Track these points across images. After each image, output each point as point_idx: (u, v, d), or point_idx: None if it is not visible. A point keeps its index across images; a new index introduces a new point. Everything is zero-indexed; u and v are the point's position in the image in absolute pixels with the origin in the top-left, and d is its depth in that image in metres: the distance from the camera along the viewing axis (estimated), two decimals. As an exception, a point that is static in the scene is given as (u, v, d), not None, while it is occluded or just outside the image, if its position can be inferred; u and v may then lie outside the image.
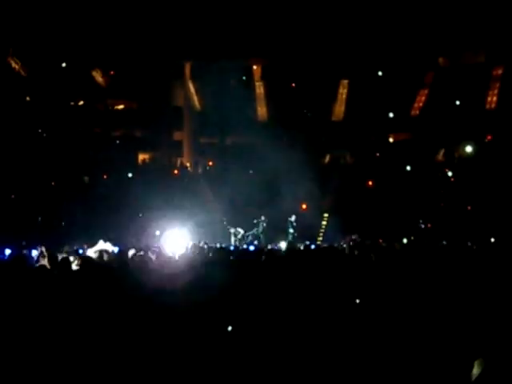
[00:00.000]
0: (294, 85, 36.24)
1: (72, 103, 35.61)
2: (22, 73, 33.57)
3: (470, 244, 19.22)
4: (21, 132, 31.25)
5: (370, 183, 33.66)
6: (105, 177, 32.52)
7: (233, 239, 27.28)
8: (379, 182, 33.11)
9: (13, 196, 28.67)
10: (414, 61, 34.31)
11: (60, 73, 33.15)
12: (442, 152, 35.45)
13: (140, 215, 28.37)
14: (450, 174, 33.78)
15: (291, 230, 28.61)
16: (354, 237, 24.84)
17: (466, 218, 28.40)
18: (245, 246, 24.12)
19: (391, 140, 36.58)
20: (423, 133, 34.10)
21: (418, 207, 29.90)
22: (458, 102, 34.34)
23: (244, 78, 36.69)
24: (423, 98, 36.11)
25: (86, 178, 32.57)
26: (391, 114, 35.43)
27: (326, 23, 31.55)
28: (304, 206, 31.37)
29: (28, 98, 34.32)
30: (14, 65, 33.29)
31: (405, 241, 26.98)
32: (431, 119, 34.11)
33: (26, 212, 25.84)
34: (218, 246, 19.57)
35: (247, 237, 27.81)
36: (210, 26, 30.52)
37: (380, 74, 35.23)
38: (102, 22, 30.50)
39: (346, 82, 36.39)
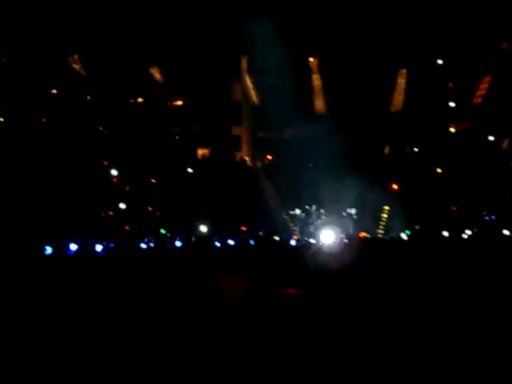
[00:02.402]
0: (350, 76, 35.86)
1: (131, 101, 36.06)
2: (83, 73, 34.19)
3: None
4: (83, 131, 31.89)
5: (438, 171, 32.98)
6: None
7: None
8: (440, 173, 32.57)
9: (76, 193, 29.25)
10: (475, 47, 33.46)
11: (119, 71, 33.56)
12: (506, 141, 34.56)
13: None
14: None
15: (351, 223, 28.48)
16: (417, 227, 24.57)
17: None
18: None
19: (452, 130, 35.87)
20: (486, 121, 33.32)
21: (481, 198, 29.30)
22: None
23: (301, 70, 36.47)
24: (486, 86, 35.21)
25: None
26: (452, 103, 34.73)
27: (382, 11, 31.14)
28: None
29: (89, 97, 34.95)
30: (74, 65, 33.93)
31: (468, 232, 26.54)
32: (494, 107, 33.28)
33: (91, 208, 26.32)
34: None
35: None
36: (266, 19, 30.43)
37: (440, 62, 34.53)
38: (159, 19, 30.77)
39: (404, 71, 35.81)
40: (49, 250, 21.27)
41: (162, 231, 26.03)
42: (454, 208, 29.38)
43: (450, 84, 33.35)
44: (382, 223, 30.55)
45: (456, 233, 25.79)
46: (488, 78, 35.05)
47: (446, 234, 26.21)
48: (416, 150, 35.73)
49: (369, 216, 29.39)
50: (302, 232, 27.68)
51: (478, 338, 6.60)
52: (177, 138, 36.00)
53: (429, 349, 6.28)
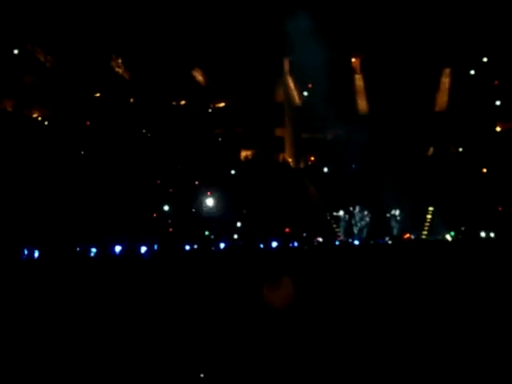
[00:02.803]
0: (393, 76, 35.54)
1: (174, 103, 36.30)
2: (126, 76, 34.57)
3: None
4: (126, 133, 32.25)
5: (484, 170, 32.44)
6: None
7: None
8: (486, 173, 32.06)
9: (120, 195, 29.55)
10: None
11: (161, 74, 33.82)
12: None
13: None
14: None
15: (395, 224, 28.25)
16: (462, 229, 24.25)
17: None
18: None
19: (498, 129, 35.28)
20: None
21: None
22: None
23: (343, 71, 36.28)
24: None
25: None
26: (498, 102, 34.16)
27: (425, 10, 30.80)
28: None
29: (132, 100, 35.31)
30: (117, 69, 34.33)
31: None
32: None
33: (136, 210, 26.56)
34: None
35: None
36: (309, 21, 30.36)
37: (485, 60, 34.00)
38: (203, 23, 30.93)
39: (448, 70, 35.35)
40: (93, 251, 21.58)
41: (206, 233, 26.16)
42: (500, 208, 28.86)
43: (496, 82, 32.78)
44: (426, 224, 30.20)
45: (502, 234, 25.36)
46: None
47: (492, 234, 25.84)
48: (461, 150, 35.22)
49: (413, 217, 29.06)
50: (345, 233, 27.55)
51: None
52: (220, 139, 36.10)
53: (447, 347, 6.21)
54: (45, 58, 32.73)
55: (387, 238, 24.52)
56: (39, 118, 33.63)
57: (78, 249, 21.80)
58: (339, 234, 27.04)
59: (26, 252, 19.81)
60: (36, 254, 20.63)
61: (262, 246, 23.09)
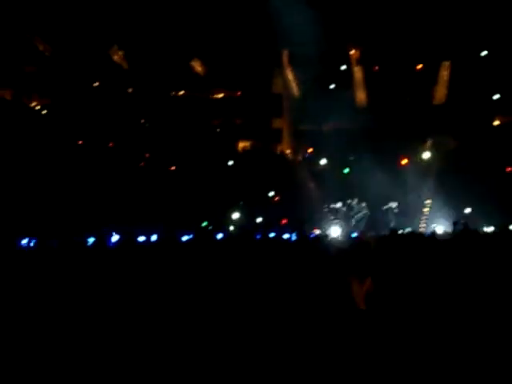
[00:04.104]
0: (392, 69, 35.49)
1: (172, 93, 36.24)
2: (124, 66, 34.46)
3: None
4: (124, 123, 32.20)
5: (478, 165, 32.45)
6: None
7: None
8: (484, 168, 32.05)
9: (117, 184, 29.52)
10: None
11: (160, 64, 33.74)
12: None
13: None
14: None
15: (392, 217, 28.28)
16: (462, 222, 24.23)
17: None
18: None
19: (497, 123, 35.28)
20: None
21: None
22: None
23: (341, 63, 36.24)
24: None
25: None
26: (497, 96, 34.15)
27: (424, 3, 30.75)
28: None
29: (130, 90, 35.23)
30: (115, 58, 34.22)
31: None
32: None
33: (132, 200, 26.55)
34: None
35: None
36: (308, 12, 30.28)
37: (484, 53, 33.96)
38: (201, 12, 30.84)
39: (447, 63, 35.31)
40: (90, 240, 21.56)
41: (204, 223, 26.15)
42: (497, 203, 28.88)
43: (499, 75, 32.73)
44: (424, 218, 30.25)
45: (501, 229, 25.38)
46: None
47: (490, 229, 25.84)
48: (459, 143, 35.24)
49: (411, 210, 29.14)
50: (343, 226, 27.59)
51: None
52: (218, 130, 36.08)
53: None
54: (44, 46, 32.62)
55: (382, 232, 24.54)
56: (38, 107, 33.56)
57: (74, 238, 21.79)
58: (337, 226, 27.08)
59: (22, 241, 19.79)
60: (32, 244, 20.63)
61: (258, 237, 23.08)
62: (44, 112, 33.25)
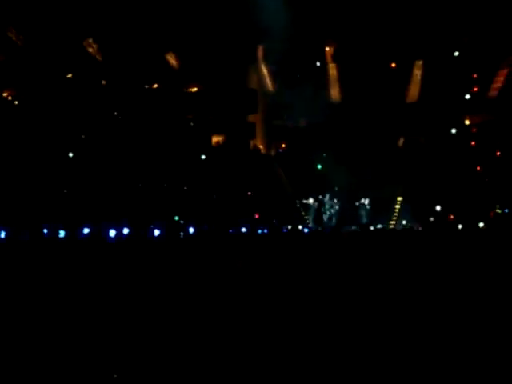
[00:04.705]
0: (366, 66, 35.70)
1: (147, 86, 36.09)
2: (98, 57, 34.26)
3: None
4: (97, 115, 32.00)
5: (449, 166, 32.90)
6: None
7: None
8: (454, 165, 32.44)
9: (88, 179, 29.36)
10: (491, 40, 33.23)
11: (134, 57, 33.58)
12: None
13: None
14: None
15: (363, 213, 28.51)
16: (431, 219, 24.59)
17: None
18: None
19: (467, 122, 35.70)
20: (502, 114, 33.12)
21: (494, 191, 29.21)
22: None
23: (316, 59, 36.36)
24: (502, 79, 34.98)
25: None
26: (467, 96, 34.56)
27: (398, 2, 30.97)
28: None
29: (104, 82, 35.03)
30: (89, 49, 34.00)
31: (481, 225, 26.48)
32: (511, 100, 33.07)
33: (104, 194, 26.39)
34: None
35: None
36: (284, 8, 30.35)
37: (456, 54, 34.34)
38: (177, 6, 30.75)
39: (420, 63, 35.64)
40: (62, 233, 21.49)
41: (176, 218, 26.13)
42: (466, 201, 29.28)
43: (472, 75, 33.14)
44: (394, 213, 30.55)
45: (469, 225, 25.77)
46: (505, 72, 34.81)
47: (459, 226, 26.21)
48: (430, 141, 35.62)
49: (382, 206, 29.37)
50: (314, 221, 27.74)
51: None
52: (191, 124, 36.01)
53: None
54: (16, 37, 32.28)
55: (354, 227, 24.77)
56: (9, 98, 33.22)
57: (45, 231, 21.70)
58: (308, 221, 27.21)
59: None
60: (3, 235, 20.53)
61: (231, 231, 23.18)
62: (15, 103, 32.94)
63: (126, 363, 5.57)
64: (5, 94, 33.47)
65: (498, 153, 32.49)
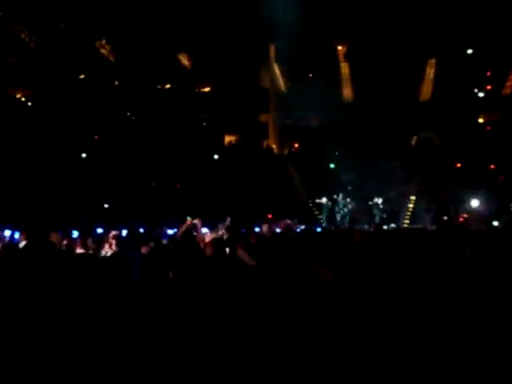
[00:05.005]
0: (378, 65, 35.60)
1: (159, 87, 36.18)
2: (111, 58, 34.36)
3: None
4: (110, 116, 32.07)
5: (459, 165, 32.80)
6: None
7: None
8: (468, 164, 32.28)
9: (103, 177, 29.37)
10: (505, 37, 33.01)
11: (147, 57, 33.65)
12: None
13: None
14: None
15: (377, 212, 28.42)
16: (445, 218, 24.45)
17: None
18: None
19: (481, 120, 35.53)
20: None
21: (509, 190, 29.04)
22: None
23: (329, 58, 36.29)
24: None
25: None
26: (481, 94, 34.39)
27: (411, 1, 30.84)
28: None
29: (117, 83, 35.13)
30: (102, 50, 34.10)
31: (495, 224, 26.28)
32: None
33: (112, 193, 26.38)
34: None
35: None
36: (296, 8, 30.29)
37: (469, 52, 34.16)
38: (189, 6, 30.74)
39: (433, 61, 35.50)
40: (75, 233, 21.44)
41: (188, 218, 26.01)
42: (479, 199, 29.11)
43: (486, 73, 32.99)
44: (408, 213, 30.41)
45: (484, 224, 25.59)
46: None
47: (473, 225, 26.02)
48: (444, 140, 35.48)
49: (395, 205, 29.27)
50: (328, 220, 27.68)
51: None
52: (204, 124, 36.05)
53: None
54: (29, 38, 32.41)
55: (366, 226, 24.64)
56: (23, 99, 33.36)
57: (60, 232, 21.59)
58: (321, 220, 27.13)
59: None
60: (17, 236, 20.46)
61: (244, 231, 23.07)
62: (29, 104, 33.05)
63: (133, 361, 5.55)
64: (18, 96, 33.62)
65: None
